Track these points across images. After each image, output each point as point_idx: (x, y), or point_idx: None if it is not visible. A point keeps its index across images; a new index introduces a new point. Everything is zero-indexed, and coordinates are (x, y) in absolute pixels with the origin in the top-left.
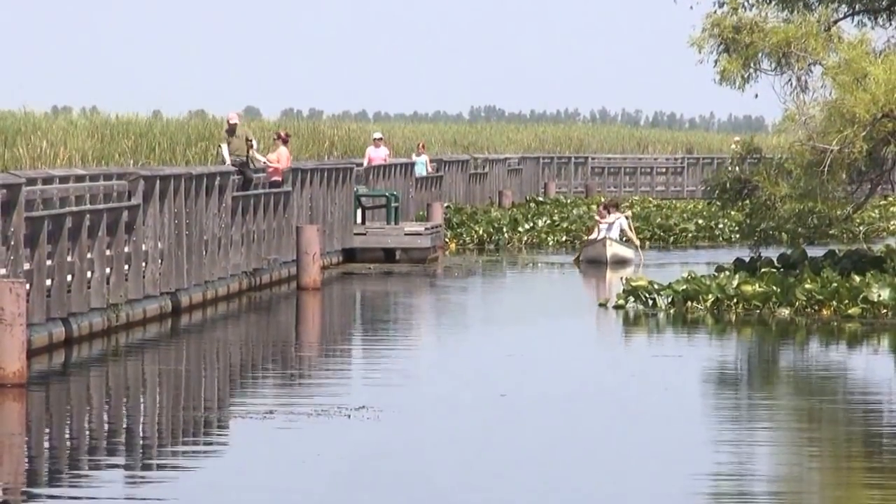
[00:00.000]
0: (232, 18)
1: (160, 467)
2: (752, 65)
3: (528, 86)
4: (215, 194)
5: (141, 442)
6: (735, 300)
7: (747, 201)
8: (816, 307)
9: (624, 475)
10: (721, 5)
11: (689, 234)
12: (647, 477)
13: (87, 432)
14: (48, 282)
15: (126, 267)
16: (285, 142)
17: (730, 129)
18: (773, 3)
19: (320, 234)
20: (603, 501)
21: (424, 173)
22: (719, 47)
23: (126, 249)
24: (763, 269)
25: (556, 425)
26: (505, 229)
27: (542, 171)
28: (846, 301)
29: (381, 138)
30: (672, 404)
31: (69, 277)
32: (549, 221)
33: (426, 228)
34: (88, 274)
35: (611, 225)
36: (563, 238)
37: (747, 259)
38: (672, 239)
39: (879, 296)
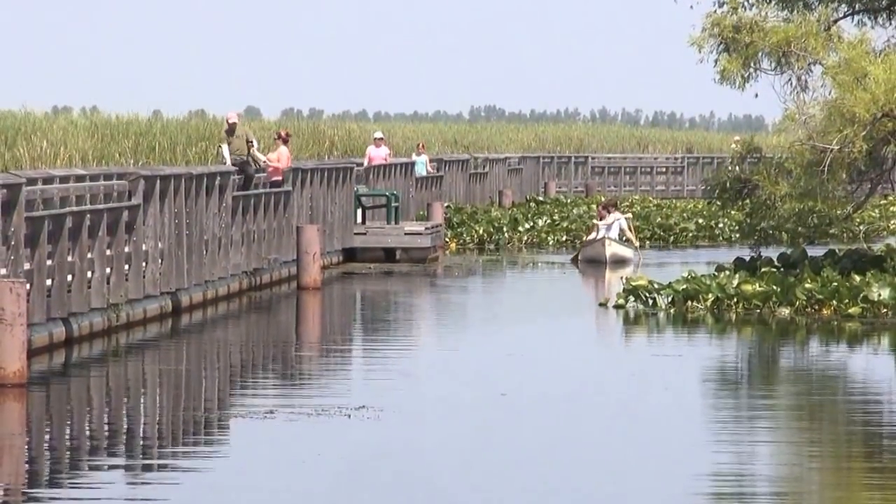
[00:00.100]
0: (232, 18)
1: (160, 467)
2: (752, 64)
3: (529, 85)
4: (215, 194)
5: (141, 442)
6: (735, 300)
7: (747, 201)
8: (816, 307)
9: (624, 475)
10: (721, 5)
11: (690, 234)
12: (647, 477)
13: (88, 432)
14: (48, 282)
15: (126, 267)
16: (286, 141)
17: (730, 129)
18: (773, 2)
19: (320, 233)
20: (603, 501)
21: (424, 173)
22: (719, 47)
23: (126, 249)
24: (763, 269)
25: (556, 425)
26: (505, 229)
27: (543, 170)
28: (846, 300)
29: (381, 138)
30: (672, 404)
31: (69, 277)
32: (549, 221)
33: (426, 228)
34: (89, 274)
35: (610, 225)
36: (564, 238)
37: (747, 258)
38: (672, 238)
39: (879, 295)
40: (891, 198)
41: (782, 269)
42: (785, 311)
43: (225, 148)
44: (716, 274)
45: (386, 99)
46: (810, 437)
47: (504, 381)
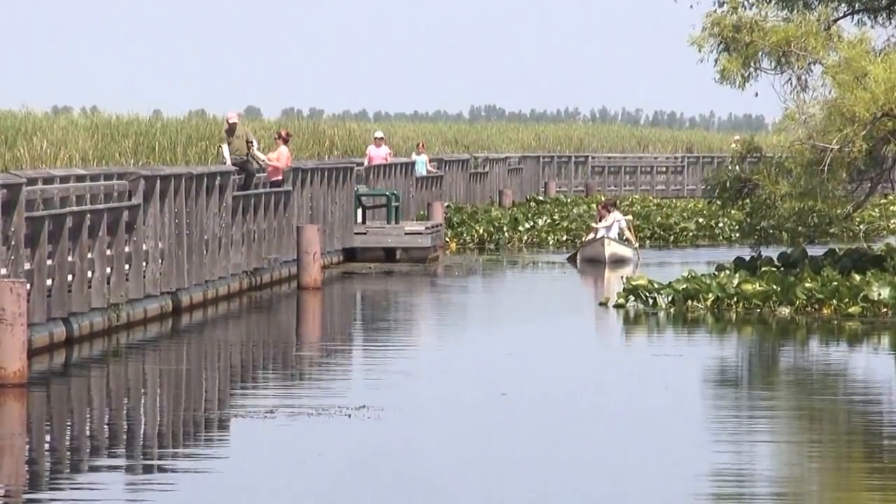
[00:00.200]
0: (232, 18)
1: (161, 467)
2: (752, 64)
3: (529, 85)
4: (216, 194)
5: (141, 442)
6: (735, 299)
7: (747, 200)
8: (817, 306)
9: (624, 475)
10: (721, 4)
11: (690, 233)
12: (647, 477)
13: (88, 432)
14: (49, 282)
15: (126, 267)
16: (286, 141)
17: (730, 128)
18: (773, 2)
19: (321, 233)
20: (603, 501)
21: (424, 172)
22: (719, 46)
23: (126, 249)
24: (763, 268)
25: (556, 425)
26: (505, 228)
27: (543, 170)
28: (846, 300)
29: (382, 138)
30: (672, 403)
31: (70, 277)
32: (549, 221)
33: (427, 228)
34: (89, 274)
35: (609, 226)
36: (564, 237)
37: (747, 258)
38: (672, 238)
39: (879, 294)
40: (891, 197)
41: (782, 269)
42: (785, 311)
43: (225, 148)
44: (716, 273)
45: (386, 99)
46: (810, 437)
47: (504, 381)
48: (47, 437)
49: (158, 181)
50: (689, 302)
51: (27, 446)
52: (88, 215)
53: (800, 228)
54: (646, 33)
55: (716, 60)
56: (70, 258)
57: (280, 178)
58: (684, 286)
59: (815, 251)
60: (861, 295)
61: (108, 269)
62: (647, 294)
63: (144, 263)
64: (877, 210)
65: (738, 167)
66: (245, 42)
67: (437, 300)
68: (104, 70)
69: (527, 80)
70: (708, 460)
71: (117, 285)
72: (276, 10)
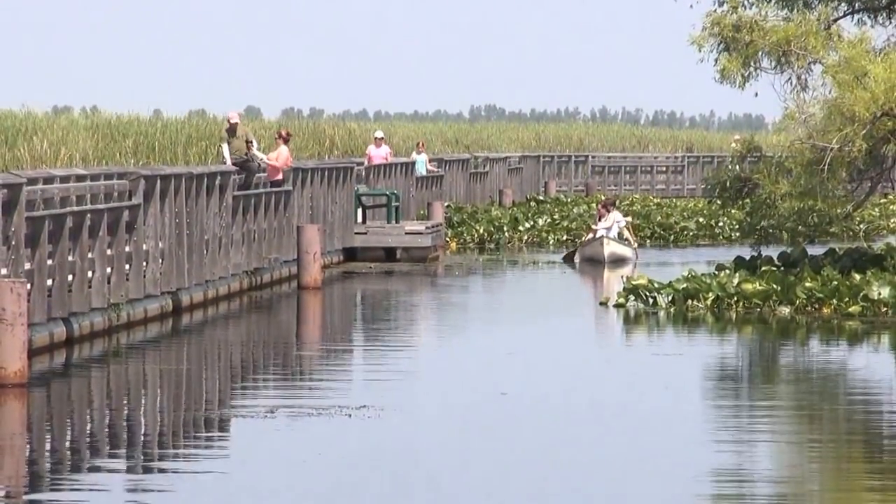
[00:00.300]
0: (232, 18)
1: (161, 467)
2: (752, 63)
3: (529, 85)
4: (216, 194)
5: (142, 442)
6: (735, 298)
7: (747, 200)
8: (817, 305)
9: (624, 475)
10: (721, 4)
11: (690, 233)
12: (647, 476)
13: (88, 432)
14: (49, 281)
15: (127, 266)
16: (286, 141)
17: (730, 128)
18: (773, 1)
19: (321, 233)
20: (603, 501)
21: (424, 172)
22: (719, 46)
23: (127, 249)
24: (763, 268)
25: (556, 424)
26: (505, 228)
27: (543, 169)
28: (846, 299)
29: (382, 138)
30: (672, 403)
31: (70, 277)
32: (549, 220)
33: (427, 227)
34: (89, 273)
35: (609, 227)
36: (564, 237)
37: (748, 257)
38: (672, 237)
39: (879, 294)
40: (891, 196)
41: (782, 268)
42: (785, 310)
43: (225, 148)
44: (716, 273)
45: (386, 98)
46: (811, 437)
47: (504, 381)
48: (48, 437)
49: (159, 181)
50: (690, 301)
51: (27, 446)
52: (89, 215)
53: (800, 228)
54: (646, 33)
55: (716, 60)
56: (70, 258)
57: (280, 177)
58: (684, 285)
59: (815, 251)
60: (861, 294)
61: (109, 269)
62: (648, 293)
63: (145, 263)
64: (877, 209)
65: (738, 167)
66: (245, 42)
67: (437, 300)
68: (104, 70)
69: (527, 80)
70: (708, 460)
71: (118, 285)
72: (276, 10)
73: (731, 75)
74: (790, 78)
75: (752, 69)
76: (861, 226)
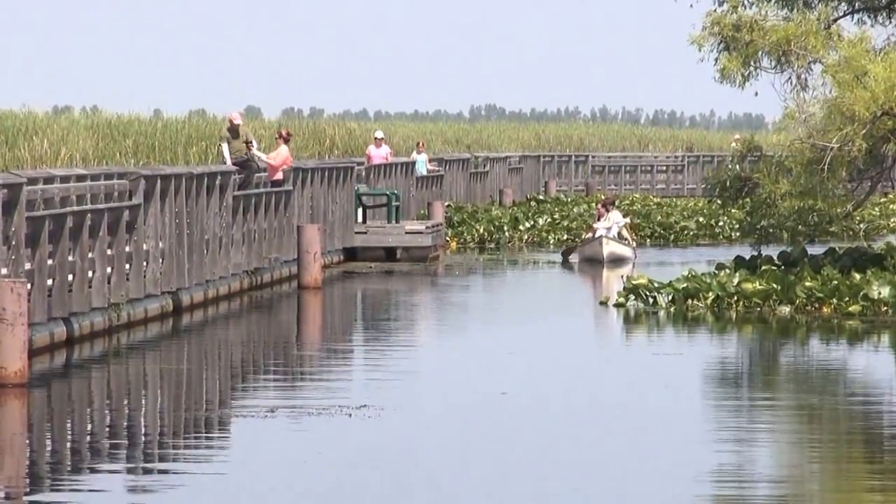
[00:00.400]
0: (232, 18)
1: (162, 467)
2: (752, 63)
3: (529, 84)
4: (216, 193)
5: (142, 442)
6: (735, 298)
7: (748, 199)
8: (817, 305)
9: (624, 475)
10: (721, 3)
11: (690, 232)
12: (647, 477)
13: (89, 432)
14: (49, 281)
15: (127, 266)
16: (286, 141)
17: (730, 127)
18: (773, 1)
19: (321, 233)
20: (603, 501)
21: (424, 171)
22: (719, 45)
23: (127, 249)
24: (763, 267)
25: (556, 424)
26: (506, 228)
27: (543, 169)
28: (846, 298)
29: (382, 138)
30: (672, 403)
31: (70, 277)
32: (549, 220)
33: (427, 227)
34: (90, 273)
35: (609, 227)
36: (564, 236)
37: (748, 257)
38: (672, 237)
39: (879, 293)
40: (891, 196)
41: (782, 268)
42: (785, 310)
43: (225, 147)
44: (716, 272)
45: (386, 98)
46: (811, 437)
47: (504, 380)
48: (48, 437)
49: (159, 181)
50: (690, 301)
51: (28, 446)
52: (89, 215)
53: (800, 227)
54: (646, 33)
55: (716, 59)
56: (71, 258)
57: (280, 177)
58: (684, 285)
59: (816, 250)
60: (861, 294)
61: (109, 269)
62: (648, 293)
63: (145, 263)
64: (877, 209)
65: (738, 166)
66: (245, 42)
67: (437, 299)
68: (105, 70)
69: (527, 80)
70: (708, 460)
71: (118, 285)
72: (276, 10)
73: (731, 75)
74: (790, 77)
75: (752, 69)
76: (861, 225)
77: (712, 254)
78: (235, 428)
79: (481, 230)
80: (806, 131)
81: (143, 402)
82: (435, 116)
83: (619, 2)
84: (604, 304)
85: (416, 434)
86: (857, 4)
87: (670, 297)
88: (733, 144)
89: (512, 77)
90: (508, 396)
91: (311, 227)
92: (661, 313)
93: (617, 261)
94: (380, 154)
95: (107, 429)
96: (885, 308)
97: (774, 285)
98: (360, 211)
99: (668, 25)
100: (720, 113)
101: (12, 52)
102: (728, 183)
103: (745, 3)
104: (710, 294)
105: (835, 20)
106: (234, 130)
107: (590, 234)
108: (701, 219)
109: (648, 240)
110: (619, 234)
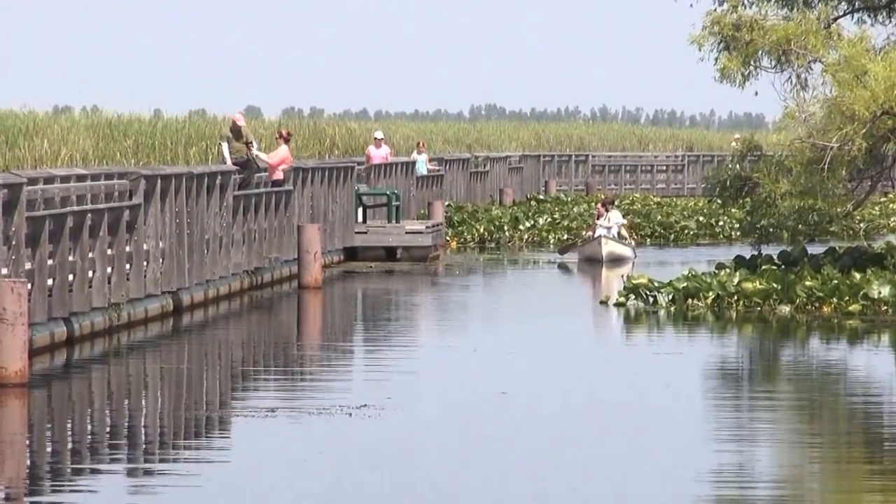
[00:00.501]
0: (232, 18)
1: (162, 467)
2: (752, 62)
3: (529, 84)
4: (216, 193)
5: (143, 442)
6: (736, 297)
7: (748, 199)
8: (817, 304)
9: (624, 474)
10: (721, 3)
11: (690, 232)
12: (648, 477)
13: (89, 432)
14: (49, 281)
15: (127, 266)
16: (287, 140)
17: (730, 127)
18: (773, 0)
19: (321, 232)
20: (603, 501)
21: (424, 171)
22: (719, 45)
23: (127, 249)
24: (763, 267)
25: (556, 424)
26: (506, 227)
27: (543, 169)
28: (847, 298)
29: (381, 138)
30: (673, 402)
31: (70, 277)
32: (549, 219)
33: (427, 227)
34: (90, 273)
35: (609, 227)
36: (565, 236)
37: (748, 256)
38: (672, 236)
39: (880, 293)
40: (891, 195)
41: (783, 267)
42: (785, 309)
43: (225, 147)
44: (716, 272)
45: (386, 98)
46: (811, 436)
47: (505, 380)
48: (48, 437)
49: (159, 181)
50: (690, 300)
51: (28, 446)
52: (89, 215)
53: (800, 227)
54: (646, 32)
55: (716, 59)
56: (71, 258)
57: (281, 177)
58: (685, 284)
59: (816, 249)
60: (861, 293)
61: (109, 269)
62: (648, 292)
63: (145, 263)
64: (877, 208)
65: (738, 166)
66: (245, 42)
67: (437, 299)
68: (105, 70)
69: (527, 79)
70: (708, 460)
71: (118, 285)
72: (276, 10)
73: (731, 74)
74: (790, 77)
75: (752, 68)
76: (861, 224)
77: (712, 253)
78: (235, 428)
79: (481, 230)
80: (806, 131)
81: (144, 402)
82: (435, 116)
83: (619, 2)
84: (604, 303)
85: (416, 434)
86: (856, 4)
87: (670, 297)
88: (733, 144)
89: (512, 77)
90: (508, 396)
91: (312, 226)
92: (662, 313)
93: (616, 260)
94: (379, 154)
95: (107, 429)
96: (886, 307)
97: (774, 285)
98: (360, 211)
99: (668, 25)
100: (720, 112)
101: (12, 52)
102: (728, 182)
103: (745, 2)
104: (711, 293)
105: (835, 19)
106: (236, 131)
107: (589, 234)
108: (701, 218)
109: (648, 239)
110: (619, 233)
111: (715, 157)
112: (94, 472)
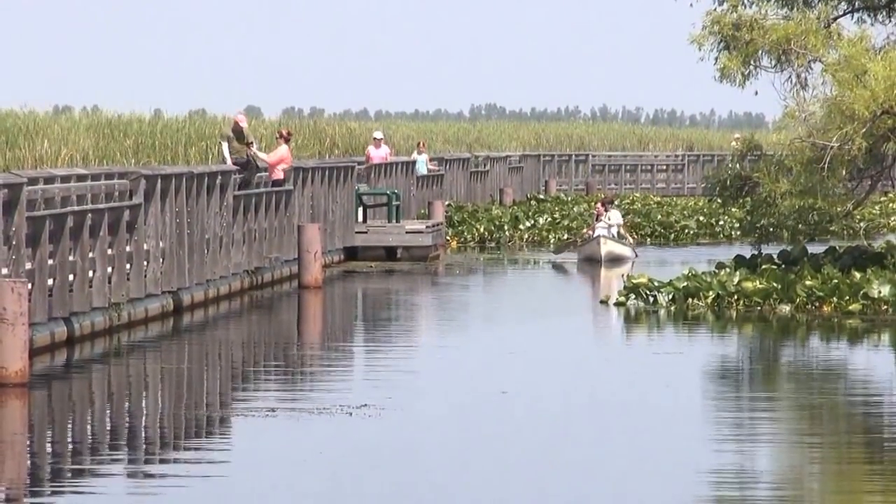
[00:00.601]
0: (232, 18)
1: (163, 468)
2: (752, 62)
3: (529, 83)
4: (216, 193)
5: (143, 441)
6: (736, 297)
7: (748, 198)
8: (817, 304)
9: (624, 474)
10: (721, 3)
11: (690, 232)
12: (648, 477)
13: (90, 432)
14: (50, 281)
15: (128, 266)
16: (287, 140)
17: (730, 126)
18: (773, 0)
19: (322, 232)
20: (603, 501)
21: (425, 171)
22: (719, 45)
23: (128, 248)
24: (764, 266)
25: (556, 423)
26: (506, 227)
27: (543, 168)
28: (847, 297)
29: (381, 138)
30: (673, 402)
31: (71, 277)
32: (549, 219)
33: (427, 226)
34: (90, 273)
35: (609, 227)
36: (565, 236)
37: (748, 256)
38: (673, 236)
39: (880, 292)
40: (891, 195)
41: (783, 267)
42: (785, 309)
43: (225, 146)
44: (716, 271)
45: (386, 98)
46: (811, 436)
47: (505, 379)
48: (48, 438)
49: (159, 180)
50: (690, 300)
51: (28, 446)
52: (89, 215)
53: (800, 226)
54: (646, 32)
55: (716, 59)
56: (71, 258)
57: (281, 177)
58: (685, 284)
59: (816, 249)
60: (861, 292)
61: (110, 269)
62: (648, 292)
63: (145, 263)
64: (877, 207)
65: (738, 165)
66: (245, 42)
67: (437, 299)
68: (105, 70)
69: (527, 79)
70: (708, 459)
71: (118, 285)
72: (276, 10)
73: (731, 74)
74: (790, 76)
75: (752, 68)
76: (861, 224)
77: (712, 253)
78: (236, 427)
79: (481, 229)
80: (806, 130)
81: (144, 402)
82: (435, 116)
83: (619, 2)
84: (604, 303)
85: (416, 433)
86: (856, 3)
87: (670, 296)
88: (733, 143)
89: (512, 77)
90: (508, 395)
91: (312, 226)
92: (662, 312)
93: (615, 260)
94: (379, 154)
95: (107, 429)
96: (886, 307)
97: (775, 284)
98: (360, 210)
99: (668, 25)
100: (720, 112)
101: (13, 52)
102: (728, 182)
103: (745, 2)
104: (711, 293)
105: (835, 19)
106: (238, 132)
107: (589, 233)
108: (701, 218)
109: (648, 239)
110: (619, 233)
111: (715, 157)
112: (93, 472)
